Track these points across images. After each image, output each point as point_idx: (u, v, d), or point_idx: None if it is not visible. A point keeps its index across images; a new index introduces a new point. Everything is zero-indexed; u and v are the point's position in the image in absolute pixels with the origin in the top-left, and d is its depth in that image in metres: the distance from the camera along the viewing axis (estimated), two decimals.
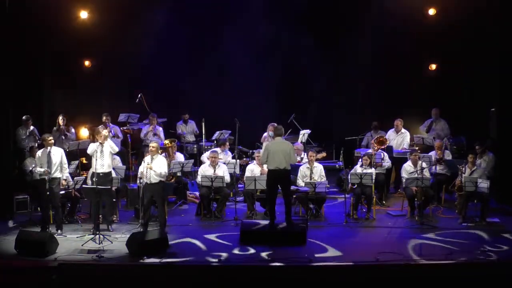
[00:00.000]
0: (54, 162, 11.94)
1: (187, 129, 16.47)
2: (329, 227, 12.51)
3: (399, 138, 15.17)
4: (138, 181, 12.27)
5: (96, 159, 11.87)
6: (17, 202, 13.41)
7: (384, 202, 13.97)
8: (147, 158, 12.20)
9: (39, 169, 11.98)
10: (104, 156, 11.97)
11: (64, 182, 12.26)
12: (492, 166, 13.53)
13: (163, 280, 10.04)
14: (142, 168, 12.14)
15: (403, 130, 15.23)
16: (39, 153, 12.11)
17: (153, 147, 12.22)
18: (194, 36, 17.26)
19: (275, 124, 13.99)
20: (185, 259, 10.67)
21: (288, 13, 16.96)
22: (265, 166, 13.32)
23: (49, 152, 11.95)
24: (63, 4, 16.01)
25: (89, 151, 12.06)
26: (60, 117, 15.18)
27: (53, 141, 12.26)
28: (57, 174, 12.02)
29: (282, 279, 10.07)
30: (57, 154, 12.07)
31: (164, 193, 12.32)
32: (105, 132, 12.37)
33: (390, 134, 15.18)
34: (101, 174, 11.91)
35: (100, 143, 11.94)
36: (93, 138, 13.35)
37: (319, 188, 12.83)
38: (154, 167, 11.96)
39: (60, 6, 15.90)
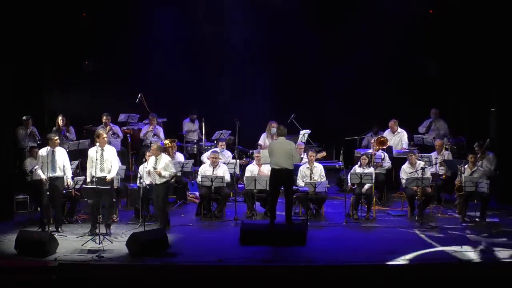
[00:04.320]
0: (58, 162, 11.91)
1: (193, 128, 16.46)
2: (329, 227, 12.52)
3: (396, 138, 15.19)
4: (138, 181, 12.26)
5: (96, 163, 11.77)
6: (17, 202, 13.40)
7: (383, 202, 14.00)
8: (152, 160, 12.16)
9: (39, 173, 11.95)
10: (104, 161, 11.85)
11: (68, 182, 12.16)
12: (495, 166, 13.54)
13: (163, 280, 10.04)
14: (142, 168, 12.08)
15: (399, 130, 15.25)
16: (42, 152, 12.03)
17: (153, 149, 12.18)
18: (193, 36, 17.27)
19: (275, 122, 14.03)
20: (185, 259, 10.67)
21: (288, 13, 16.98)
22: (262, 167, 13.35)
23: (53, 152, 11.92)
24: (63, 4, 16.00)
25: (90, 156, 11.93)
26: (60, 117, 15.17)
27: (58, 141, 12.22)
28: (60, 174, 11.98)
29: (282, 279, 10.07)
30: (61, 155, 12.03)
31: (167, 193, 12.30)
32: (101, 130, 12.29)
33: (387, 135, 15.17)
34: (102, 178, 11.83)
35: (100, 146, 11.86)
36: (92, 140, 13.20)
37: (319, 188, 12.84)
38: (162, 170, 11.94)
39: (60, 6, 15.90)
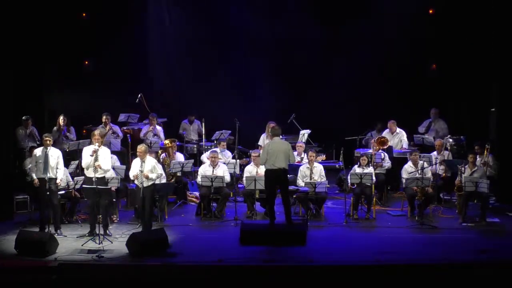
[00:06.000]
0: (51, 163, 11.81)
1: (192, 128, 16.45)
2: (329, 227, 12.52)
3: (395, 138, 15.20)
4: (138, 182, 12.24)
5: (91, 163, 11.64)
6: (17, 202, 13.39)
7: (383, 202, 13.99)
8: (137, 163, 11.96)
9: (32, 174, 11.91)
10: (99, 161, 11.65)
11: (59, 182, 11.99)
12: (496, 167, 13.56)
13: (163, 280, 10.04)
14: (133, 172, 11.97)
15: (398, 130, 15.27)
16: (37, 151, 11.96)
17: (141, 151, 11.98)
18: (193, 35, 17.28)
19: (274, 123, 14.02)
20: (185, 259, 10.66)
21: (288, 14, 17.01)
22: (261, 168, 13.34)
23: (47, 152, 11.87)
24: (64, 4, 16.00)
25: (84, 164, 11.79)
26: (60, 117, 15.17)
27: (51, 141, 12.13)
28: (53, 175, 11.85)
29: (282, 279, 10.07)
30: (55, 155, 11.91)
31: (153, 195, 12.10)
32: (96, 131, 12.20)
33: (385, 135, 15.16)
34: (94, 179, 11.56)
35: (97, 146, 11.73)
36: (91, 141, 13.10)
37: (319, 188, 12.83)
38: (149, 173, 11.82)
39: (61, 6, 15.90)
